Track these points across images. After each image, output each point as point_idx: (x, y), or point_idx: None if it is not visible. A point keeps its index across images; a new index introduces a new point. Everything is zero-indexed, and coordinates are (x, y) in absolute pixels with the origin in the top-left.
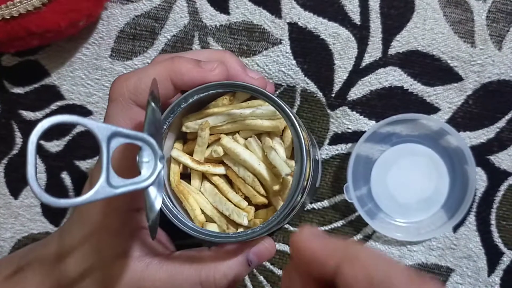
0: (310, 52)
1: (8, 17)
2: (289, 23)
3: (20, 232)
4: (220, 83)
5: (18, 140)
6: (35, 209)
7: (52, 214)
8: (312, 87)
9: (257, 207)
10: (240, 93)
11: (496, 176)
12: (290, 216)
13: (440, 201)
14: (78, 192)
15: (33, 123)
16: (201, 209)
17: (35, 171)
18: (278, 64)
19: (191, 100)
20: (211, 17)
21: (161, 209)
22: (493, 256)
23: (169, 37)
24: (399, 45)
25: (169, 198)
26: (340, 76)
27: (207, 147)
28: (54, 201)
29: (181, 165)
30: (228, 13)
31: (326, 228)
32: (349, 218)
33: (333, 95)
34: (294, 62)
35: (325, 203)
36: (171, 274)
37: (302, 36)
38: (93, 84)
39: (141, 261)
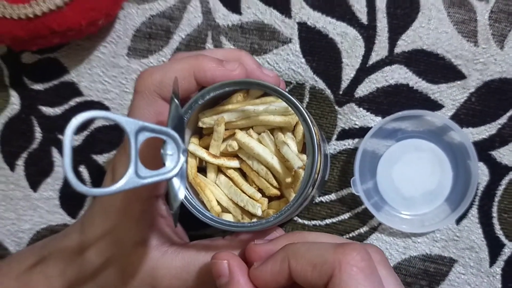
0: (319, 50)
1: (31, 16)
2: (298, 23)
3: (39, 224)
4: (236, 81)
5: (38, 134)
6: (53, 202)
7: (70, 206)
8: (320, 84)
9: (270, 198)
10: (254, 90)
11: (497, 170)
12: (301, 208)
13: (444, 194)
14: (96, 184)
15: (52, 119)
16: (217, 200)
17: (71, 162)
18: (288, 62)
19: (207, 97)
20: (224, 17)
21: (181, 206)
22: (494, 247)
23: (183, 36)
24: (404, 44)
25: (187, 190)
26: (348, 73)
27: (222, 142)
28: (88, 190)
29: (197, 158)
30: (240, 13)
31: (334, 220)
32: (356, 210)
33: (340, 92)
34: (303, 60)
35: (333, 196)
36: (187, 261)
37: (311, 35)
38: (110, 81)
39: (158, 249)
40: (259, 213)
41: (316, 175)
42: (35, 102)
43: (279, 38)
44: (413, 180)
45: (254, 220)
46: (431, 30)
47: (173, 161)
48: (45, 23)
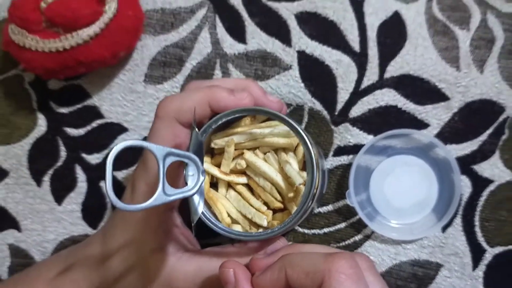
0: (316, 76)
1: (61, 49)
2: (298, 51)
3: (63, 234)
4: (244, 108)
5: (63, 153)
6: (76, 214)
7: (91, 218)
8: (318, 106)
9: (275, 211)
10: (260, 116)
11: (479, 183)
12: (302, 219)
13: (431, 205)
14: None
15: (76, 139)
16: (227, 213)
17: (112, 184)
18: (289, 86)
19: (220, 122)
20: (231, 46)
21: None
22: (477, 253)
23: (194, 64)
24: (393, 69)
25: (207, 208)
26: (343, 96)
27: (232, 160)
28: (126, 206)
29: (210, 175)
30: (245, 43)
31: (331, 229)
32: (351, 220)
33: (336, 113)
34: (302, 84)
35: (330, 207)
36: (200, 266)
37: (309, 63)
38: (128, 105)
39: (174, 255)
40: (264, 224)
41: (315, 190)
42: (60, 124)
43: (280, 65)
44: (402, 192)
45: (261, 230)
46: (417, 57)
47: (193, 181)
48: (73, 56)
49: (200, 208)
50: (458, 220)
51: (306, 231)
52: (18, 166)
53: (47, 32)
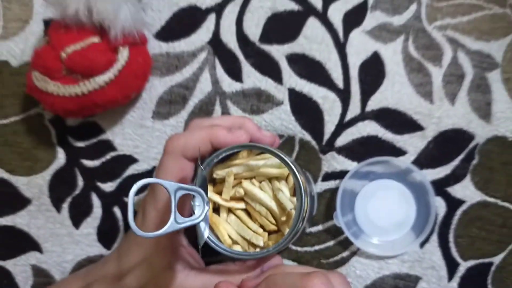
0: (305, 110)
1: (79, 94)
2: (288, 89)
3: (80, 255)
4: (241, 144)
5: (80, 183)
6: (92, 237)
7: (105, 240)
8: (307, 137)
9: (270, 233)
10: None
11: (452, 203)
12: (294, 239)
13: (409, 223)
14: (126, 221)
15: (92, 170)
16: (228, 235)
17: (133, 215)
18: (281, 120)
19: (221, 157)
20: (229, 85)
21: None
22: (451, 266)
23: (196, 101)
24: (373, 104)
25: (211, 232)
26: (329, 128)
27: (232, 189)
28: (145, 234)
29: (213, 202)
30: (241, 82)
31: (321, 247)
32: (339, 238)
33: (324, 143)
34: (293, 118)
35: (320, 227)
36: (205, 283)
37: (299, 98)
38: (138, 138)
39: (182, 272)
40: (261, 244)
41: (305, 213)
42: (77, 157)
43: (273, 101)
44: (384, 213)
45: (258, 249)
46: (395, 92)
47: (200, 210)
48: (90, 99)
49: (206, 233)
50: (434, 237)
51: (298, 248)
52: (40, 194)
53: (67, 78)
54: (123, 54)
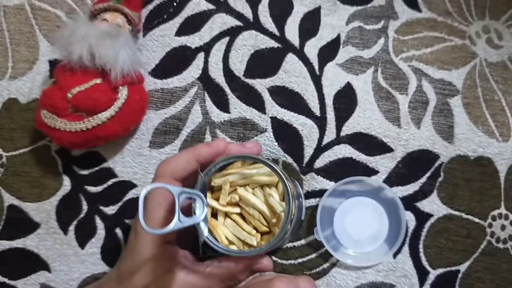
0: (287, 136)
1: (84, 129)
2: (271, 117)
3: (85, 273)
4: (236, 155)
5: (84, 207)
6: (96, 256)
7: (109, 259)
8: (289, 159)
9: (262, 234)
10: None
11: (421, 217)
12: (283, 239)
13: (383, 236)
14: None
15: (95, 195)
16: (225, 236)
17: (143, 215)
18: (265, 146)
19: (218, 167)
20: (217, 115)
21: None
22: (422, 274)
23: (189, 131)
24: (347, 129)
25: (210, 233)
26: (308, 152)
27: (228, 195)
28: (153, 231)
29: (211, 207)
30: (229, 112)
31: (304, 259)
32: (320, 251)
33: (304, 165)
34: (276, 143)
35: (303, 241)
36: (204, 277)
37: (281, 126)
38: (137, 166)
39: (181, 272)
40: (254, 243)
41: (292, 216)
42: (82, 184)
43: (258, 129)
44: (360, 227)
45: (252, 248)
46: (366, 118)
47: (200, 211)
48: (93, 133)
49: (205, 232)
50: (406, 248)
51: (284, 261)
52: (48, 219)
53: (73, 116)
54: (123, 93)
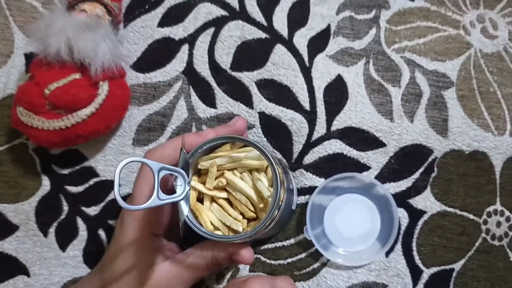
0: (275, 132)
1: (63, 127)
2: (259, 112)
3: (66, 277)
4: (222, 136)
5: (65, 208)
6: (78, 259)
7: (91, 261)
8: (278, 155)
9: (249, 220)
10: (237, 142)
11: (414, 214)
12: (270, 227)
13: (375, 234)
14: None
15: (76, 195)
16: (210, 222)
17: (118, 190)
18: None
19: (204, 148)
20: (203, 111)
21: (185, 221)
22: (415, 273)
23: (174, 128)
24: (338, 123)
25: (190, 213)
26: (297, 147)
27: (215, 179)
28: (128, 206)
29: (197, 191)
30: (215, 107)
31: (294, 259)
32: (310, 251)
33: (293, 161)
34: (265, 139)
35: (292, 240)
36: (188, 267)
37: (269, 121)
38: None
39: (165, 264)
40: (240, 229)
41: (280, 202)
42: (62, 183)
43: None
44: (351, 225)
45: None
46: (358, 111)
47: (181, 190)
48: (73, 131)
49: (185, 211)
50: (398, 246)
51: (272, 262)
52: (27, 220)
53: (50, 113)
54: (103, 89)
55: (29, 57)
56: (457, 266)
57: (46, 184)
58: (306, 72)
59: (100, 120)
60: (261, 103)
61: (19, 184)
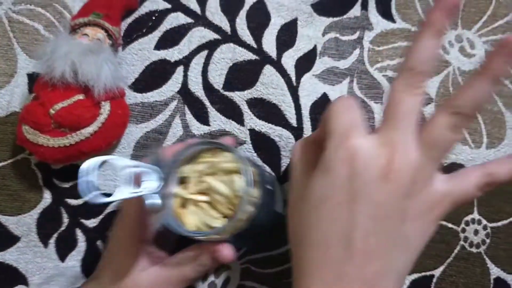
0: (265, 147)
1: (67, 145)
2: (249, 129)
3: (64, 287)
4: (195, 143)
5: (65, 220)
6: (76, 269)
7: (89, 271)
8: (268, 169)
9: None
10: (218, 152)
11: None
12: (248, 224)
13: None
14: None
15: (76, 208)
16: (193, 224)
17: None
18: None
19: (184, 155)
20: (198, 128)
21: (166, 225)
22: None
23: (170, 144)
24: None
25: (174, 218)
26: (285, 162)
27: (196, 184)
28: (95, 199)
29: (180, 197)
30: (209, 125)
31: (284, 267)
32: None
33: (281, 174)
34: (255, 154)
35: (283, 249)
36: (176, 269)
37: (259, 137)
38: (118, 179)
39: (153, 269)
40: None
41: (254, 198)
42: (62, 196)
43: (237, 141)
44: None
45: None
46: None
47: (152, 184)
48: (77, 148)
49: (157, 201)
50: None
51: (262, 270)
52: (28, 232)
53: (55, 131)
54: (105, 108)
55: (31, 77)
56: (437, 272)
57: (47, 197)
58: (294, 91)
59: (102, 137)
60: (251, 121)
61: (21, 197)
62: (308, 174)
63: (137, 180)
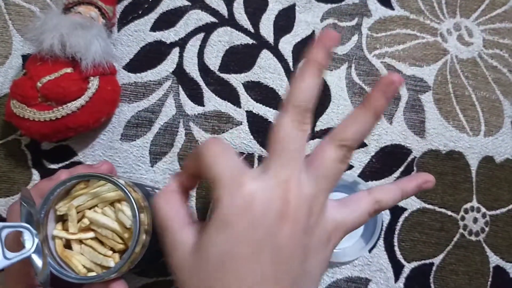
0: (262, 130)
1: (54, 119)
2: (246, 111)
3: None
4: (70, 177)
5: None
6: None
7: None
8: (265, 153)
9: (121, 253)
10: (92, 180)
11: (396, 211)
12: (142, 253)
13: (359, 233)
14: None
15: None
16: (82, 265)
17: None
18: (240, 138)
19: (55, 193)
20: (191, 108)
21: (46, 274)
22: (397, 268)
23: (162, 124)
24: (322, 124)
25: (58, 263)
26: None
27: (78, 222)
28: None
29: (63, 238)
30: (203, 105)
31: None
32: None
33: None
34: (251, 137)
35: None
36: None
37: (256, 120)
38: (108, 159)
39: None
40: (112, 265)
41: (146, 226)
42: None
43: (233, 122)
44: None
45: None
46: (339, 113)
47: (30, 244)
48: (63, 123)
49: (43, 265)
50: (381, 242)
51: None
52: None
53: (42, 105)
54: (94, 83)
55: (26, 58)
56: (437, 260)
57: (36, 178)
58: (291, 76)
59: (90, 113)
60: (248, 103)
61: (10, 178)
62: (193, 231)
63: (17, 241)
